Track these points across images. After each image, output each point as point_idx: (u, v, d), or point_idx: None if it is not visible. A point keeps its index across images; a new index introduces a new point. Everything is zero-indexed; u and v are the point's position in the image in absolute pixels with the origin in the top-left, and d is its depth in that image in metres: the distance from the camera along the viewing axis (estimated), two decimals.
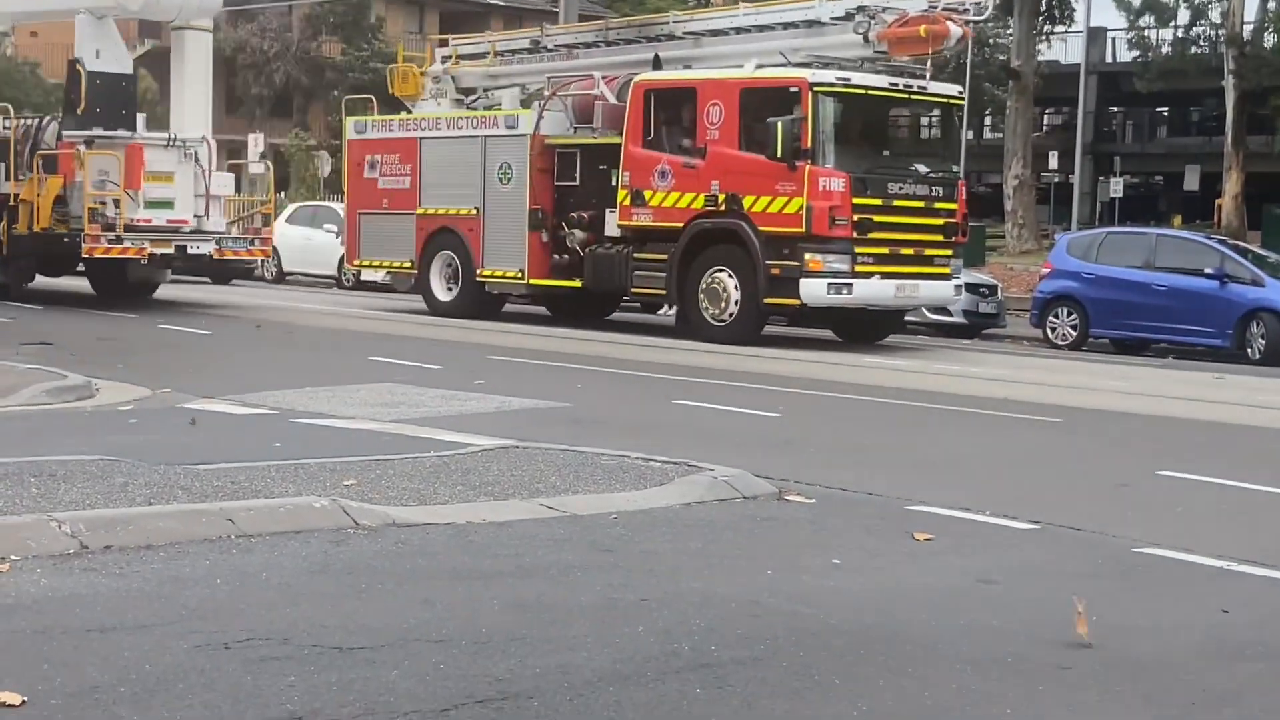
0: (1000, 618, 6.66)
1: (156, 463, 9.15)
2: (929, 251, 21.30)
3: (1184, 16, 56.29)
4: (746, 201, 20.28)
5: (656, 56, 22.98)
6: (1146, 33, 59.28)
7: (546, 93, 24.30)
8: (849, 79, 20.48)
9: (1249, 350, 23.76)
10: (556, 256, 23.24)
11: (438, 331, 22.53)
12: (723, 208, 20.65)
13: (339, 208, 37.13)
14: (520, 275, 23.50)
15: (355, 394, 14.05)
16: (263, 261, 33.93)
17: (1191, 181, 53.71)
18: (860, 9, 20.94)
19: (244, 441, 10.63)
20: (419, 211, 24.97)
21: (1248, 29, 48.32)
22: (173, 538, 7.35)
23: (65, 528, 7.21)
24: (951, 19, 20.59)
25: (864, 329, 22.83)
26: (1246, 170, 45.66)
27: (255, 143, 43.56)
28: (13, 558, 6.80)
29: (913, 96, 21.53)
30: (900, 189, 20.95)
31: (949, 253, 21.78)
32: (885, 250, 20.62)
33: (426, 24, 59.12)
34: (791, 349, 21.50)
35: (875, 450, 12.35)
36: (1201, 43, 55.00)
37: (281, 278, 35.34)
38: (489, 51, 26.92)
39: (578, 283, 23.05)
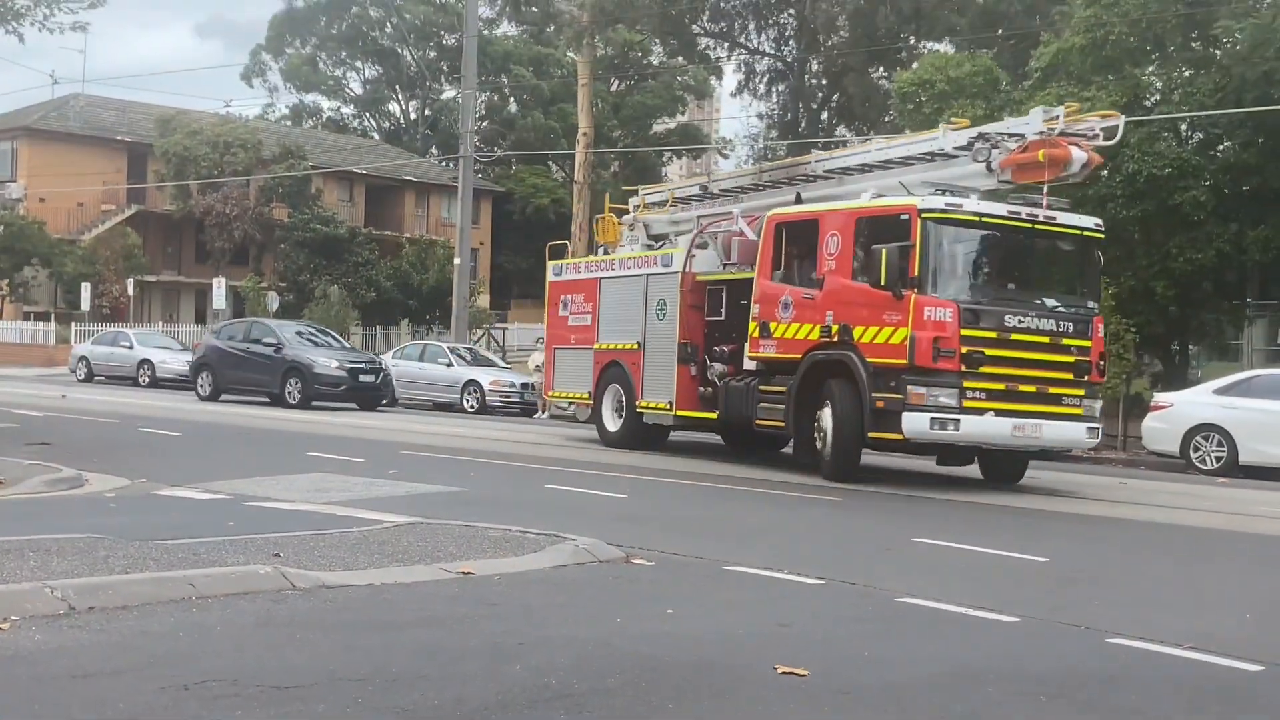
0: (795, 653, 6.66)
1: (133, 539, 8.92)
2: (1055, 390, 15.74)
3: None
4: (856, 332, 15.64)
5: (798, 195, 18.81)
6: None
7: (694, 231, 20.41)
8: (960, 205, 15.64)
9: None
10: (702, 388, 19.02)
11: (360, 431, 22.24)
12: (835, 339, 16.03)
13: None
14: (669, 406, 19.42)
15: (294, 482, 13.78)
16: None
17: None
18: (980, 136, 16.66)
19: (204, 521, 10.39)
20: (595, 346, 21.36)
21: None
22: (144, 599, 7.17)
23: (57, 593, 7.01)
24: (1078, 144, 15.86)
25: (1000, 466, 17.37)
26: None
27: (219, 285, 43.16)
28: (13, 618, 6.59)
29: (1036, 226, 16.10)
30: (1020, 322, 15.57)
31: (1080, 392, 16.08)
32: (1001, 386, 15.37)
33: (355, 194, 58.95)
34: (639, 451, 21.47)
35: (700, 523, 12.36)
36: None
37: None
38: (669, 199, 22.84)
39: (714, 415, 18.86)
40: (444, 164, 59.73)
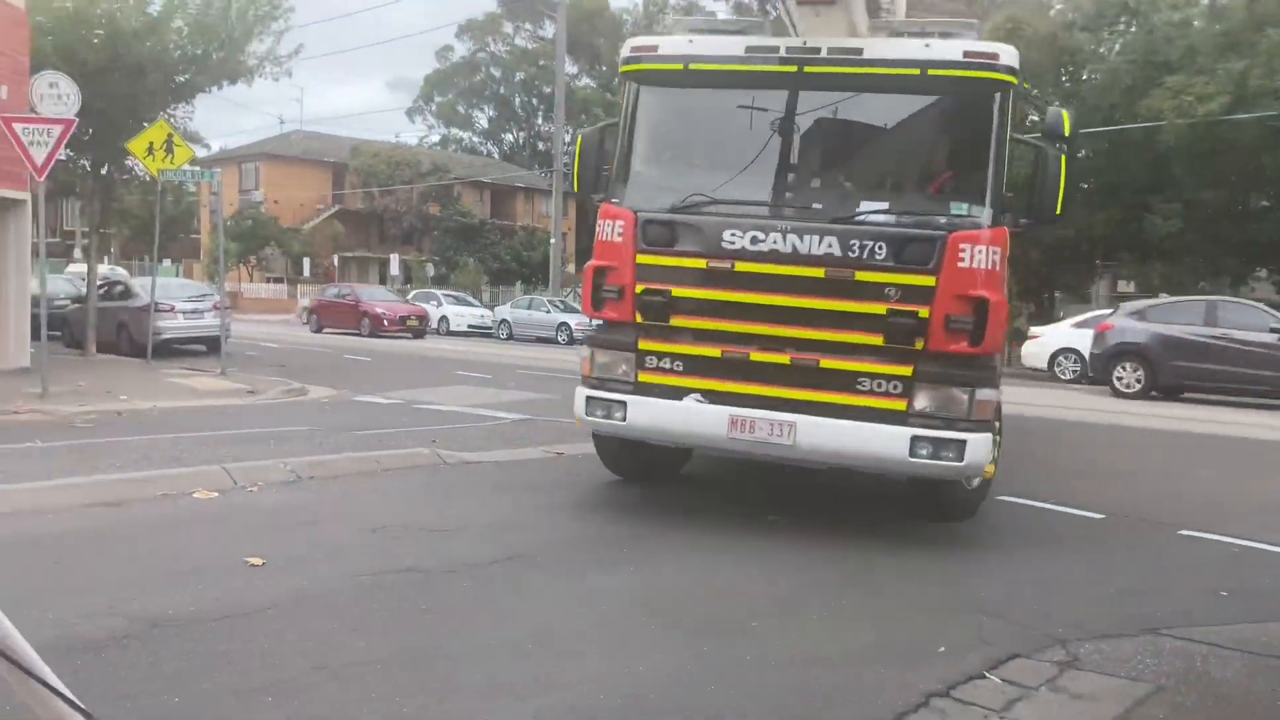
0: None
1: (338, 431, 9.05)
2: (838, 363, 5.39)
3: None
4: None
5: None
6: None
7: None
8: (654, 48, 5.91)
9: None
10: None
11: (488, 356, 22.26)
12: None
13: (439, 292, 36.79)
14: None
15: (446, 391, 13.84)
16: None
17: None
18: None
19: (385, 418, 10.50)
20: None
21: None
22: (346, 471, 7.28)
23: (288, 467, 7.13)
24: None
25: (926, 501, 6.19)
26: None
27: (394, 259, 43.34)
28: (260, 483, 6.73)
29: (809, 70, 5.48)
30: (755, 242, 5.47)
31: (904, 369, 5.31)
32: (715, 351, 5.63)
33: (483, 196, 58.57)
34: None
35: None
36: None
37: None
38: None
39: None
40: (543, 175, 59.24)
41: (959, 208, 5.48)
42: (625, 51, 6.11)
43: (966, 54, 5.45)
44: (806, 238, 5.48)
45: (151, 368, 15.00)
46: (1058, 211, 5.52)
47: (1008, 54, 5.48)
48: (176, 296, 18.77)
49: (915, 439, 5.34)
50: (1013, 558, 5.64)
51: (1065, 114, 5.71)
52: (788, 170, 5.82)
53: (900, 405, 5.42)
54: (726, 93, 5.94)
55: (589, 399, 6.01)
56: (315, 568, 4.81)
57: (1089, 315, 21.03)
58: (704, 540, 5.66)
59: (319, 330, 29.97)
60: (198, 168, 16.37)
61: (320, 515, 5.97)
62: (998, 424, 5.95)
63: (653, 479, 7.20)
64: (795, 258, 5.50)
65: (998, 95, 5.48)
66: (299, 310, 40.13)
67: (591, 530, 5.85)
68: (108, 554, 4.95)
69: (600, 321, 6.09)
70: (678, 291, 5.75)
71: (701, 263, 5.67)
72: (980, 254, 5.34)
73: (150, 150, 14.29)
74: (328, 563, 4.90)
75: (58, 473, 6.59)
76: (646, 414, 5.82)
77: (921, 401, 5.40)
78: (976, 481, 6.06)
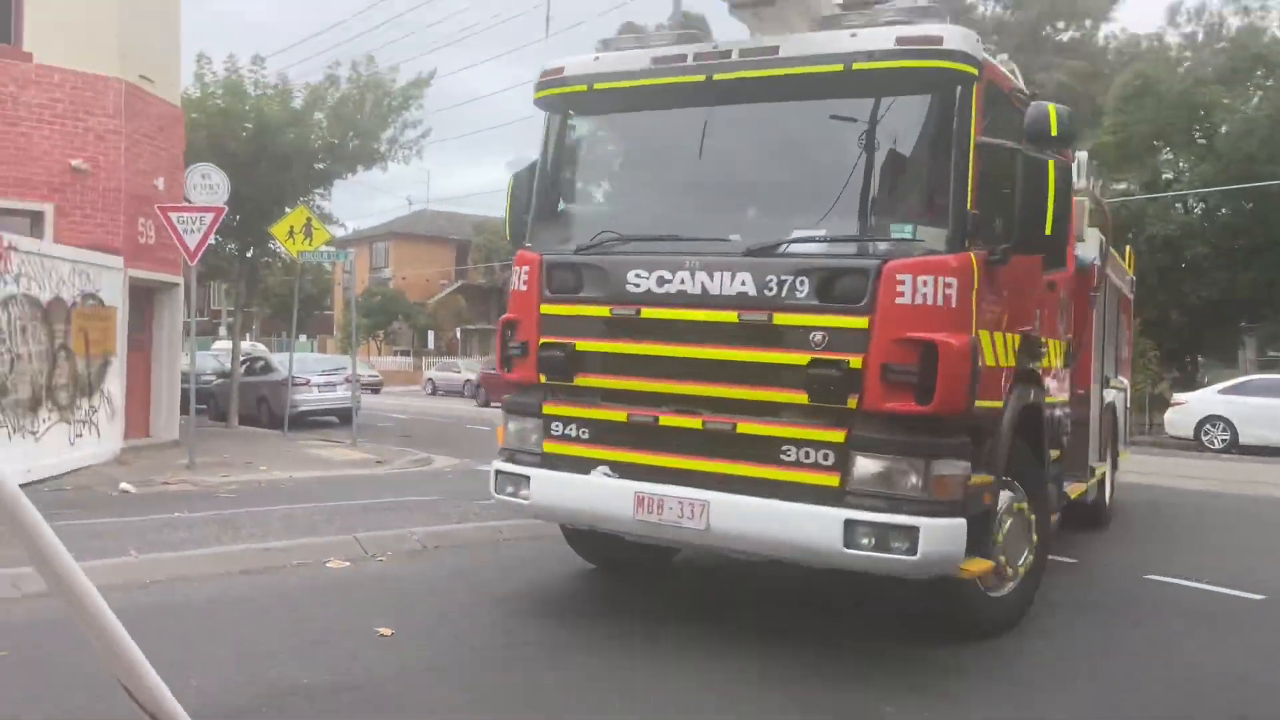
0: None
1: (462, 499, 9.20)
2: (752, 427, 4.38)
3: None
4: None
5: None
6: None
7: None
8: (559, 71, 5.12)
9: None
10: None
11: None
12: None
13: None
14: None
15: None
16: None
17: None
18: None
19: None
20: None
21: None
22: (470, 541, 7.42)
23: (416, 537, 7.30)
24: None
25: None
26: None
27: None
28: (388, 553, 6.91)
29: (719, 77, 4.60)
30: (663, 284, 4.60)
31: (835, 435, 4.21)
32: (622, 415, 4.76)
33: None
34: None
35: None
36: None
37: None
38: None
39: None
40: None
41: (901, 230, 4.35)
42: (536, 78, 5.28)
43: (901, 41, 4.34)
44: (717, 275, 4.53)
45: (289, 439, 15.70)
46: (1048, 230, 4.35)
47: (956, 37, 4.34)
48: (312, 370, 19.69)
49: (851, 524, 4.17)
50: (1163, 642, 5.25)
51: (1052, 109, 4.62)
52: (703, 197, 4.96)
53: (832, 480, 4.29)
54: (637, 114, 5.13)
55: (497, 473, 5.24)
56: (443, 639, 4.87)
57: (1236, 381, 19.86)
58: (824, 619, 5.49)
59: (486, 404, 28.59)
60: (333, 248, 17.29)
61: (447, 586, 6.05)
62: (1005, 505, 4.77)
63: (631, 568, 6.21)
64: (705, 300, 4.56)
65: (957, 89, 4.35)
66: (424, 381, 41.52)
67: (709, 605, 5.74)
68: (247, 622, 5.14)
69: (516, 384, 5.23)
70: (581, 345, 4.89)
71: (605, 310, 4.82)
72: (927, 286, 4.19)
73: (291, 234, 15.21)
74: (455, 634, 4.95)
75: (203, 541, 6.92)
76: (549, 490, 4.98)
77: (858, 475, 4.26)
78: (1011, 586, 4.85)
